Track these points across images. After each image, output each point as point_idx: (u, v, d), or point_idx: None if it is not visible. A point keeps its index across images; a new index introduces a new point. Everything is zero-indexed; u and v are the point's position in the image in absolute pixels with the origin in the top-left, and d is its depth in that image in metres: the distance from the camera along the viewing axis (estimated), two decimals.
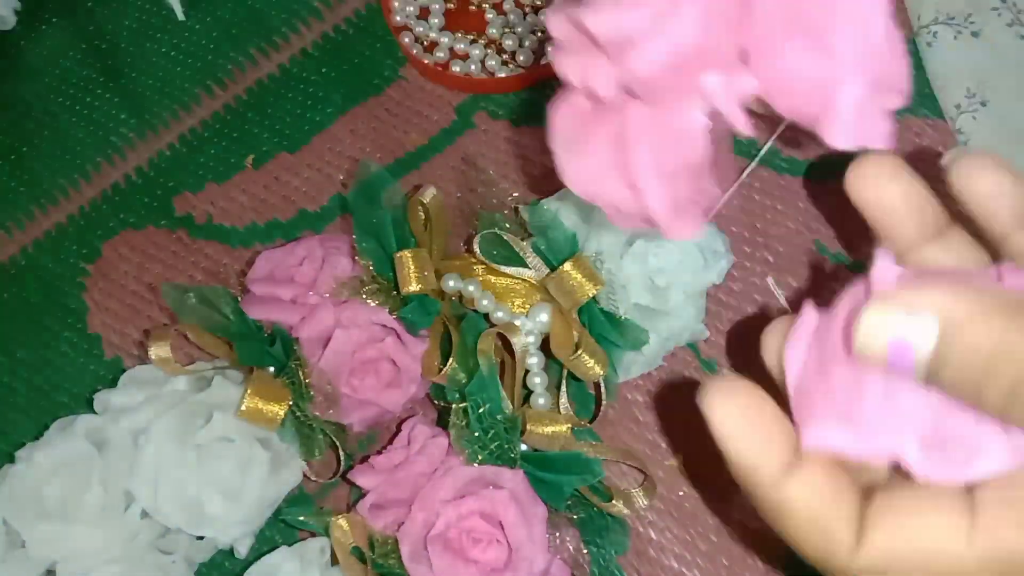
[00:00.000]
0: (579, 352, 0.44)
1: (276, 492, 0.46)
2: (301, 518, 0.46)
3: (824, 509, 0.26)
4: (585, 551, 0.46)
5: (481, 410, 0.44)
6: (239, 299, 0.48)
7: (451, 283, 0.47)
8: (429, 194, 0.49)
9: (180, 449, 0.44)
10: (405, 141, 0.56)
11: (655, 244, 0.44)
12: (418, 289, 0.46)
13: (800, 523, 0.26)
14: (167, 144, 0.58)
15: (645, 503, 0.46)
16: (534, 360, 0.46)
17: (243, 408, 0.44)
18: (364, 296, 0.47)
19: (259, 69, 0.59)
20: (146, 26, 0.61)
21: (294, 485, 0.48)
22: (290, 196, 0.55)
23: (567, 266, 0.44)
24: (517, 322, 0.46)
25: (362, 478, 0.45)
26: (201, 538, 0.47)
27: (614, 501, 0.45)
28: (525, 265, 0.47)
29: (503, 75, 0.55)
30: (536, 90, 0.55)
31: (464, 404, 0.44)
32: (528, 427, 0.44)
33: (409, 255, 0.46)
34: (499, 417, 0.44)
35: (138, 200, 0.57)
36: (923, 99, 0.52)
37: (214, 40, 0.60)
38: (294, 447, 0.47)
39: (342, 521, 0.44)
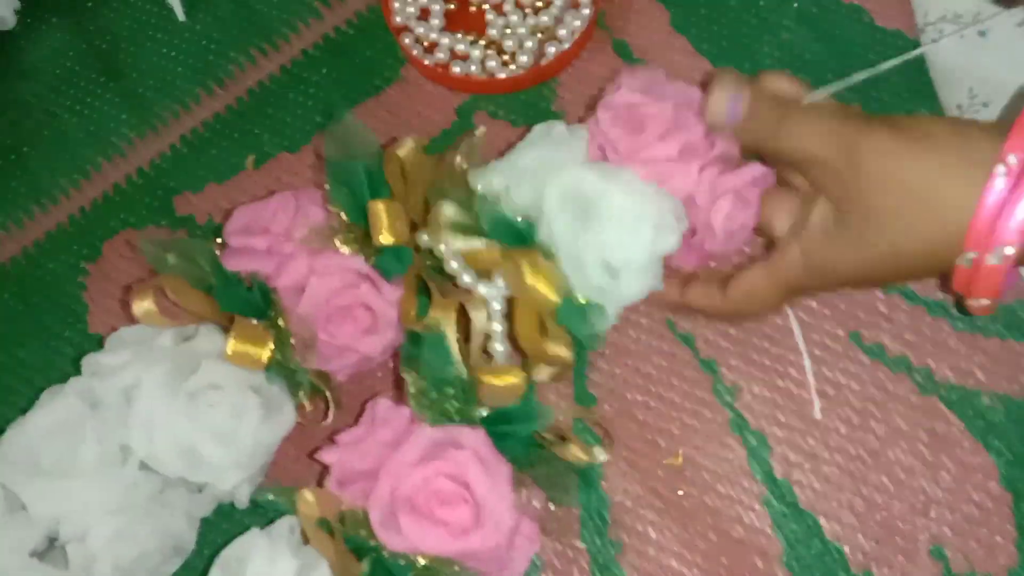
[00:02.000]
0: (546, 344, 0.45)
1: (271, 436, 0.47)
2: (270, 497, 0.46)
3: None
4: (552, 507, 0.46)
5: (435, 369, 0.44)
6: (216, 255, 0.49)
7: (425, 238, 0.47)
8: (407, 146, 0.49)
9: (172, 399, 0.44)
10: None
11: (606, 227, 0.44)
12: (391, 241, 0.46)
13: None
14: (168, 144, 0.58)
15: (605, 458, 0.47)
16: (497, 328, 0.46)
17: (229, 352, 0.45)
18: (338, 243, 0.48)
19: (260, 69, 0.59)
20: (146, 26, 0.61)
21: (288, 429, 0.48)
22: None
23: (528, 279, 0.44)
24: (482, 289, 0.46)
25: (327, 455, 0.46)
26: (200, 491, 0.47)
27: (569, 445, 0.45)
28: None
29: (503, 76, 0.55)
30: (536, 91, 0.56)
31: (416, 367, 0.44)
32: (482, 378, 0.44)
33: (382, 206, 0.46)
34: (453, 374, 0.44)
35: (138, 200, 0.57)
36: (922, 99, 0.52)
37: (215, 40, 0.60)
38: (285, 392, 0.47)
39: (307, 494, 0.44)
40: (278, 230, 0.49)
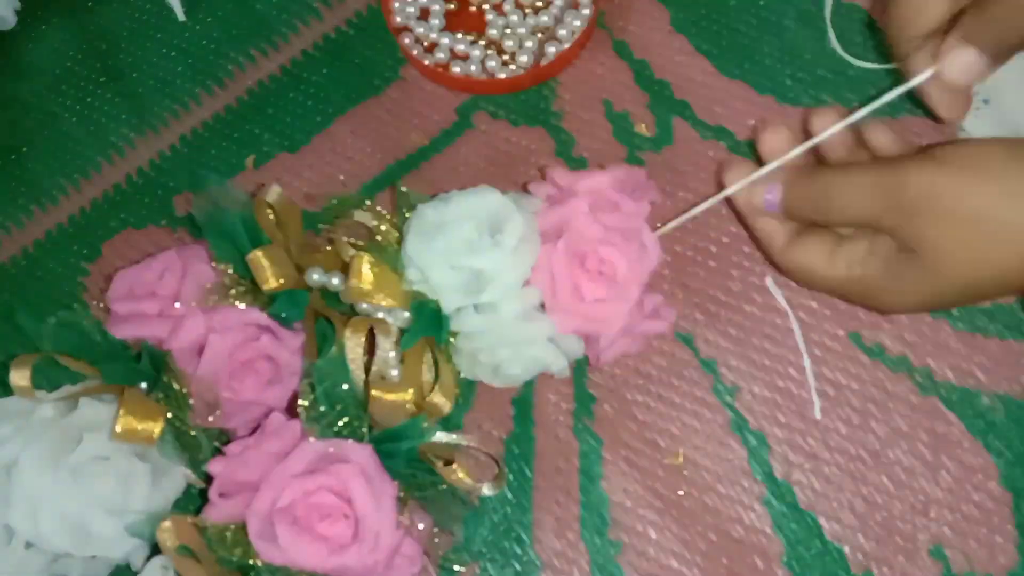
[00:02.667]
0: (431, 394, 0.46)
1: (162, 501, 0.46)
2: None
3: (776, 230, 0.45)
4: (437, 530, 0.46)
5: (326, 384, 0.44)
6: (101, 321, 0.48)
7: (315, 276, 0.47)
8: (274, 193, 0.49)
9: (54, 474, 0.43)
10: (405, 142, 0.56)
11: (509, 346, 0.46)
12: (278, 285, 0.46)
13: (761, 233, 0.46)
14: (168, 144, 0.58)
15: (491, 493, 0.47)
16: (391, 354, 0.46)
17: (118, 430, 0.44)
18: (232, 299, 0.47)
19: (259, 69, 0.59)
20: (146, 26, 0.61)
21: (179, 492, 0.47)
22: (290, 196, 0.55)
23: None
24: (380, 315, 0.46)
25: (213, 465, 0.45)
26: (94, 556, 0.46)
27: (455, 467, 0.45)
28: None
29: (503, 76, 0.55)
30: (536, 91, 0.56)
31: (310, 380, 0.44)
32: (372, 392, 0.44)
33: (261, 254, 0.46)
34: (345, 388, 0.44)
35: (138, 200, 0.57)
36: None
37: (214, 40, 0.60)
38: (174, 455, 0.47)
39: (165, 522, 0.43)
40: (166, 292, 0.48)
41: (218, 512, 0.44)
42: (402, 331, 0.47)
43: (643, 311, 0.46)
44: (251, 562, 0.43)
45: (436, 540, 0.46)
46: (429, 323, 0.46)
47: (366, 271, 0.45)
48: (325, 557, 0.42)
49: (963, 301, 0.40)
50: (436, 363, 0.47)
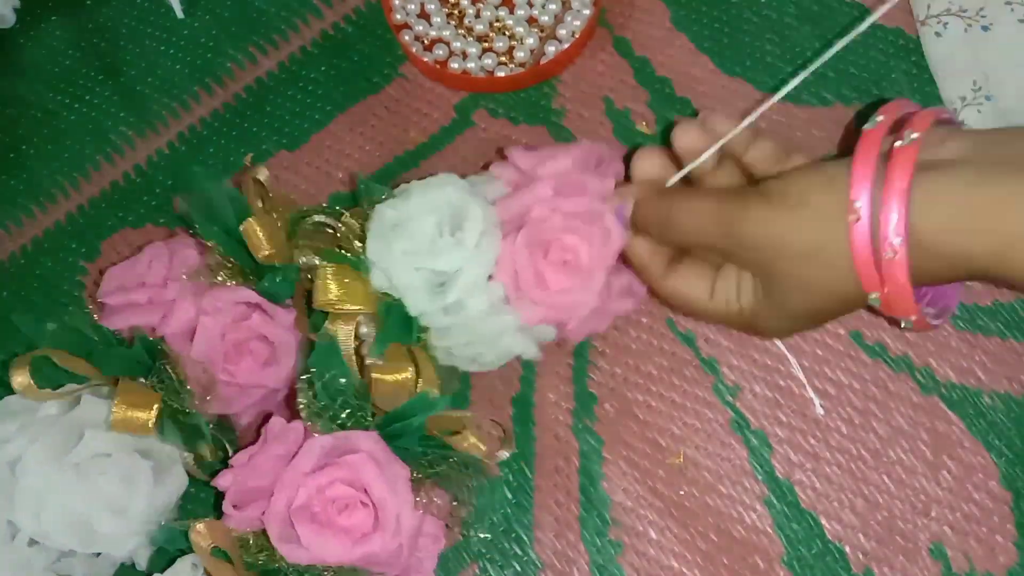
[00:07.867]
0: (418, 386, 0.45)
1: (165, 498, 0.46)
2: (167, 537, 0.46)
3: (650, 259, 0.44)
4: (456, 503, 0.46)
5: (326, 377, 0.44)
6: (95, 315, 0.48)
7: (303, 260, 0.47)
8: (263, 173, 0.49)
9: (58, 471, 0.43)
10: (405, 139, 0.55)
11: (474, 335, 0.45)
12: (272, 252, 0.45)
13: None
14: (166, 143, 0.58)
15: (507, 455, 0.48)
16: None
17: (113, 420, 0.44)
18: (221, 279, 0.47)
19: (259, 67, 0.59)
20: (146, 25, 0.61)
21: (182, 489, 0.47)
22: (290, 194, 0.55)
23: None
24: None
25: (221, 479, 0.45)
26: (98, 555, 0.46)
27: (465, 433, 0.45)
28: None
29: (503, 74, 0.55)
30: (536, 89, 0.55)
31: (308, 375, 0.44)
32: (373, 375, 0.43)
33: (255, 221, 0.46)
34: (344, 382, 0.44)
35: (137, 199, 0.57)
36: (923, 98, 0.51)
37: (214, 38, 0.59)
38: (176, 451, 0.46)
39: (200, 525, 0.43)
40: (156, 280, 0.48)
41: (235, 523, 0.44)
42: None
43: (611, 292, 0.45)
44: (277, 565, 0.43)
45: (453, 516, 0.47)
46: (397, 327, 0.45)
47: (330, 283, 0.45)
48: (350, 548, 0.42)
49: (817, 323, 0.44)
50: (412, 356, 0.46)
